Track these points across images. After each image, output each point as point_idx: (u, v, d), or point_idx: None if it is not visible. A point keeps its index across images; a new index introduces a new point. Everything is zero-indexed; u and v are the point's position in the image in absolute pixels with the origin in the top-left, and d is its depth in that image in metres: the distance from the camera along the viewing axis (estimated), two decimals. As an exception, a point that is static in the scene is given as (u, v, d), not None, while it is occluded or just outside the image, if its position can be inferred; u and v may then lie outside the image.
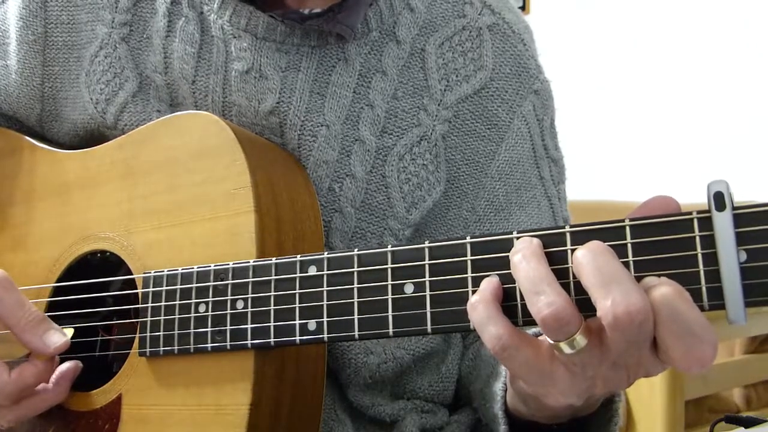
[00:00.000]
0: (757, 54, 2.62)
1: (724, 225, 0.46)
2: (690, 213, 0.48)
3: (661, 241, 0.48)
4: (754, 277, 0.45)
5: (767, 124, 2.57)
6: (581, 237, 0.50)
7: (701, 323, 0.44)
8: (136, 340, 0.69)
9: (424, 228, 0.78)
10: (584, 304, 0.48)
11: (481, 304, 0.50)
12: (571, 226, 0.51)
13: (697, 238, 0.47)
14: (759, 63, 2.61)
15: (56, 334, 0.66)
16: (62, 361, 0.70)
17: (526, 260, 0.48)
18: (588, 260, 0.46)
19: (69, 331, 0.70)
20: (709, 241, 0.46)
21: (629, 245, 0.49)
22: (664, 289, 0.45)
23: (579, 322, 0.47)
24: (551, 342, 0.48)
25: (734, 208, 0.46)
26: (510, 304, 0.52)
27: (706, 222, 0.47)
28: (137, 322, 0.69)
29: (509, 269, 0.51)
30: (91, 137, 0.83)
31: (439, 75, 0.78)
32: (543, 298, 0.46)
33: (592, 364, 0.47)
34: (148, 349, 0.68)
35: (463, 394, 0.82)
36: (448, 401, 0.82)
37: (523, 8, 3.23)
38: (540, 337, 0.50)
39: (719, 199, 0.46)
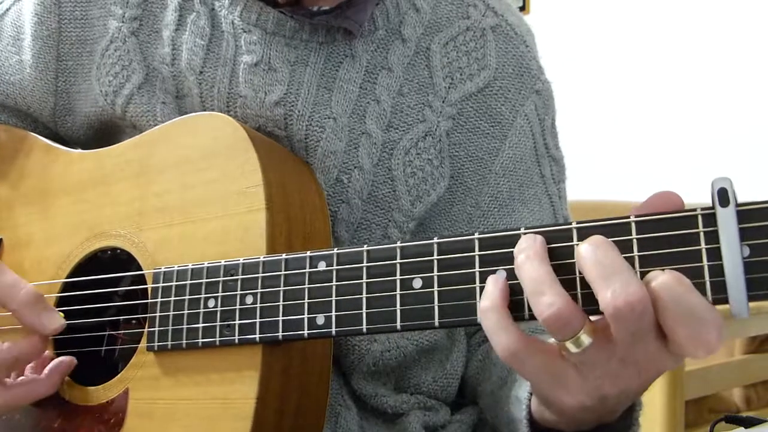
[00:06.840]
0: (758, 53, 2.61)
1: (727, 221, 0.47)
2: (694, 210, 0.49)
3: (665, 236, 0.49)
4: (757, 272, 0.46)
5: (767, 124, 2.57)
6: (588, 233, 0.50)
7: (703, 306, 0.45)
8: (145, 335, 0.69)
9: (428, 223, 0.80)
10: (591, 299, 0.48)
11: (490, 312, 0.51)
12: (578, 223, 0.52)
13: (701, 234, 0.48)
14: (759, 63, 2.61)
15: (54, 315, 0.70)
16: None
17: (529, 261, 0.49)
18: (589, 254, 0.47)
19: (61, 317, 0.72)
20: (713, 237, 0.47)
21: (635, 241, 0.49)
22: (663, 276, 0.46)
23: (582, 320, 0.47)
24: (558, 342, 0.49)
25: (737, 205, 0.47)
26: (517, 298, 0.52)
27: (710, 218, 0.47)
28: (146, 317, 0.70)
29: None
30: (106, 128, 0.84)
31: (444, 73, 0.80)
32: (544, 299, 0.47)
33: (600, 361, 0.48)
34: (156, 344, 0.68)
35: (469, 392, 0.83)
36: (452, 398, 0.83)
37: (523, 8, 3.23)
38: (550, 339, 0.51)
39: (723, 195, 0.47)
